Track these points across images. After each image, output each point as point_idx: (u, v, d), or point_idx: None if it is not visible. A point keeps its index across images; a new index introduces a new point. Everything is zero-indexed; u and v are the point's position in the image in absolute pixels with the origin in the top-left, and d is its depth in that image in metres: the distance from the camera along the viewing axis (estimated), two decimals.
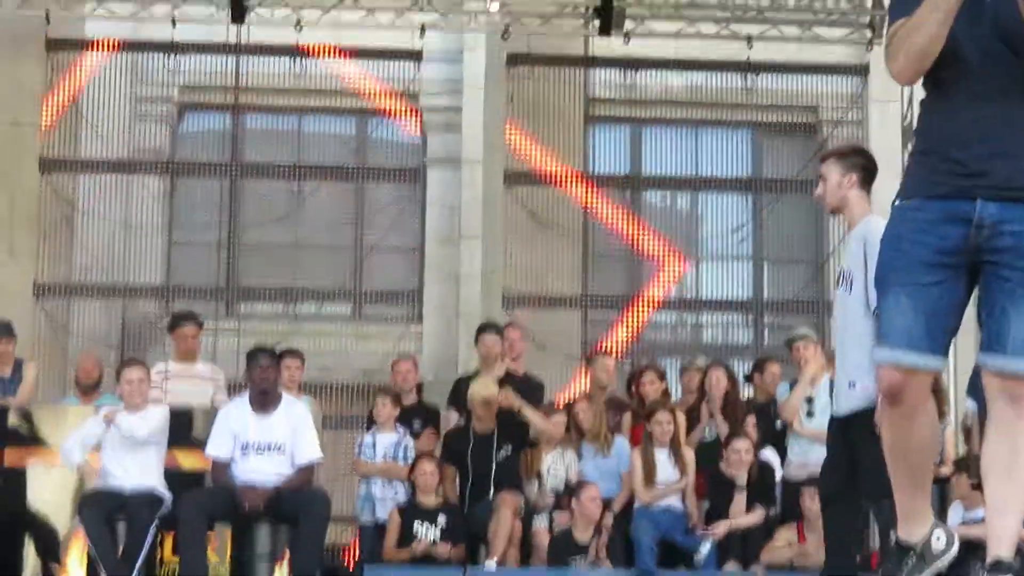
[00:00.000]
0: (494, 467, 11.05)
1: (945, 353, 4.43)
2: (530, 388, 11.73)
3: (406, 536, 10.79)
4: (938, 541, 4.62)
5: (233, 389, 11.90)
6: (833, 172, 7.39)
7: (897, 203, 4.49)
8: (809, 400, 10.80)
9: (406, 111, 15.66)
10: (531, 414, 11.15)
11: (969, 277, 4.41)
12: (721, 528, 10.85)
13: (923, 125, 4.56)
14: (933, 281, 4.36)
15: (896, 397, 4.43)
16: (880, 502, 7.15)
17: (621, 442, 11.35)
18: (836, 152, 7.62)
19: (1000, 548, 4.41)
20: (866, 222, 7.32)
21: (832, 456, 7.57)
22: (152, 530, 9.88)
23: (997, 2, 4.32)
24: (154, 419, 10.17)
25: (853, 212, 7.43)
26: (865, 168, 7.43)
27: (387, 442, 11.36)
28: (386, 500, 11.20)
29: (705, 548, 10.77)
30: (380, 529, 11.12)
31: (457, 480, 11.27)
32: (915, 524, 4.64)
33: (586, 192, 15.25)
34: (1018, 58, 4.33)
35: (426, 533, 10.78)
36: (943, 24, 4.27)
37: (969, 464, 10.58)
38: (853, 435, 7.27)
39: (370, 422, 11.81)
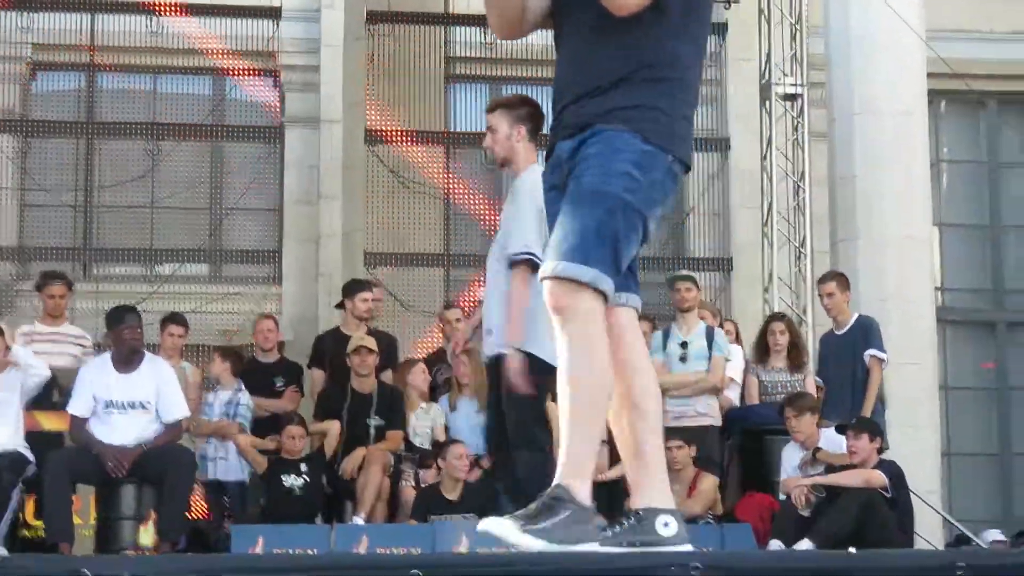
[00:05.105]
0: (372, 431, 11.00)
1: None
2: (387, 344, 11.76)
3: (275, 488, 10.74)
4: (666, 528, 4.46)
5: (95, 351, 11.74)
6: (503, 124, 7.29)
7: None
8: (683, 344, 10.78)
9: (264, 70, 15.51)
10: None
11: None
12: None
13: None
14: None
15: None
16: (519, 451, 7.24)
17: None
18: (504, 103, 7.51)
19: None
20: (523, 174, 7.32)
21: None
22: (16, 492, 9.72)
23: None
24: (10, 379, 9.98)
25: (519, 164, 7.35)
26: (533, 119, 7.30)
27: (223, 399, 11.24)
28: (216, 460, 11.07)
29: None
30: (219, 487, 11.08)
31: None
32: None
33: (446, 151, 15.20)
34: (582, 5, 4.53)
35: (292, 483, 10.72)
36: None
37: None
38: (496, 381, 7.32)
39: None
